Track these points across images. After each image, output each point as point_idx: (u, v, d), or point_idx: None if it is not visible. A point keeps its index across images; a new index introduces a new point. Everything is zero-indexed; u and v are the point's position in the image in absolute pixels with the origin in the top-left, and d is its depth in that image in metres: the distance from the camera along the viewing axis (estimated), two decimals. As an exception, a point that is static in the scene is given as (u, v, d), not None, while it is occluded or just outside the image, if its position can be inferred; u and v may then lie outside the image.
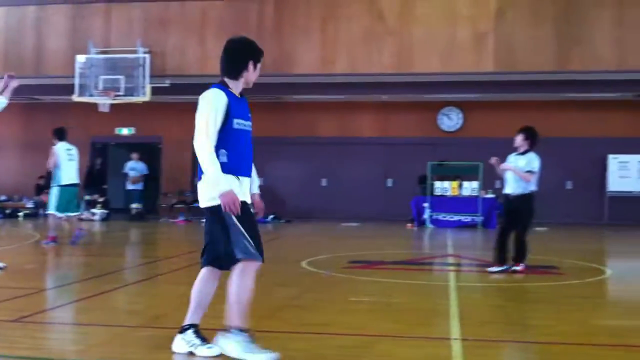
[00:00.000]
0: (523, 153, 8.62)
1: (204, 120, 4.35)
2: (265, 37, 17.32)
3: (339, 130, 20.58)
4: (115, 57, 17.36)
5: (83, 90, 17.32)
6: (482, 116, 19.63)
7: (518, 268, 8.52)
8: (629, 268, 10.32)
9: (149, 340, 4.99)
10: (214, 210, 4.33)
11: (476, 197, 17.18)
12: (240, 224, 4.29)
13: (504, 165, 8.68)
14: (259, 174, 4.98)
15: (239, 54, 4.56)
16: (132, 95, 17.17)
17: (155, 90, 17.27)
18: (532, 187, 8.57)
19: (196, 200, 4.71)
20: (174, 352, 4.48)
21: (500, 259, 8.61)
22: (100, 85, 17.28)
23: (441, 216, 17.37)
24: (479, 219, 17.07)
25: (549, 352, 4.88)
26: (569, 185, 19.42)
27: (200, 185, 4.42)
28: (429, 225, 17.26)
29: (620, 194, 18.84)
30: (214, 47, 17.40)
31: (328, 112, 20.55)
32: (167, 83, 17.36)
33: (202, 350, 4.39)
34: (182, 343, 4.48)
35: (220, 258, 4.46)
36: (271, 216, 19.56)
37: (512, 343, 5.16)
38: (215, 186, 4.25)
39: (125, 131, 21.33)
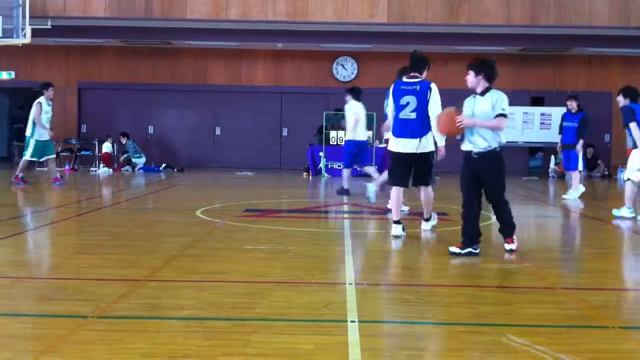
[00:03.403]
0: (482, 93, 6.62)
1: None
2: (155, -21, 16.64)
3: (232, 78, 20.26)
4: (-9, -4, 16.15)
5: (-44, 30, 16.06)
6: (376, 67, 19.84)
7: (512, 247, 6.62)
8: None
9: (37, 291, 4.79)
10: (433, 154, 7.43)
11: (370, 146, 17.44)
12: None
13: (466, 121, 6.56)
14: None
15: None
16: (10, 37, 16.09)
17: (36, 32, 16.25)
18: (500, 138, 6.73)
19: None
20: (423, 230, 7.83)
21: (468, 238, 6.44)
22: (-25, 26, 16.07)
23: (337, 165, 17.58)
24: (373, 167, 17.36)
25: (439, 295, 5.06)
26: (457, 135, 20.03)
27: (426, 140, 7.33)
28: (325, 175, 17.43)
29: (506, 145, 19.63)
30: (98, -12, 16.54)
31: (220, 59, 20.14)
32: (48, 25, 16.38)
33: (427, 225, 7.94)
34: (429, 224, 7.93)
35: (421, 180, 7.57)
36: (163, 165, 19.17)
37: (403, 287, 5.31)
38: (442, 141, 7.33)
39: (4, 75, 20.07)
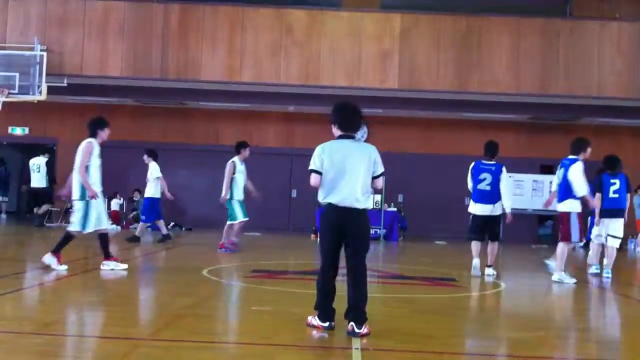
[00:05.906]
0: None
1: None
2: (171, 41, 17.01)
3: (243, 139, 20.35)
4: (10, 54, 16.51)
5: (-26, 86, 16.37)
6: (386, 131, 19.96)
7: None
8: (521, 282, 10.70)
9: (38, 347, 4.71)
10: (501, 217, 10.22)
11: (379, 210, 17.41)
12: None
13: None
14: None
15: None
16: (26, 93, 16.38)
17: (51, 90, 16.54)
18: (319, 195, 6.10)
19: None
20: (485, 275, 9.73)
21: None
22: (-7, 82, 16.40)
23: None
24: (381, 231, 17.32)
25: (447, 362, 4.95)
26: (467, 201, 19.98)
27: (497, 206, 10.03)
28: (333, 237, 17.33)
29: (515, 212, 19.52)
30: (114, 48, 16.90)
31: (232, 120, 20.32)
32: (64, 83, 16.67)
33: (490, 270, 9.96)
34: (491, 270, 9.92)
35: (492, 236, 10.09)
36: (171, 224, 19.14)
37: (409, 353, 5.19)
38: (509, 208, 10.14)
39: (18, 131, 20.34)
